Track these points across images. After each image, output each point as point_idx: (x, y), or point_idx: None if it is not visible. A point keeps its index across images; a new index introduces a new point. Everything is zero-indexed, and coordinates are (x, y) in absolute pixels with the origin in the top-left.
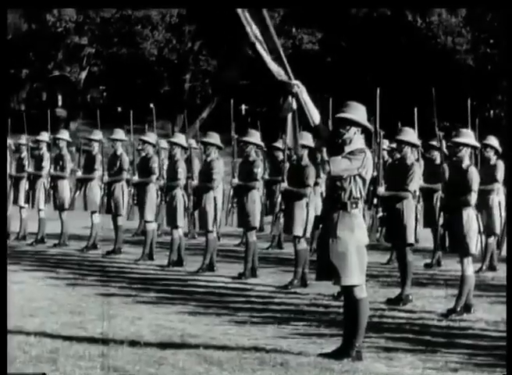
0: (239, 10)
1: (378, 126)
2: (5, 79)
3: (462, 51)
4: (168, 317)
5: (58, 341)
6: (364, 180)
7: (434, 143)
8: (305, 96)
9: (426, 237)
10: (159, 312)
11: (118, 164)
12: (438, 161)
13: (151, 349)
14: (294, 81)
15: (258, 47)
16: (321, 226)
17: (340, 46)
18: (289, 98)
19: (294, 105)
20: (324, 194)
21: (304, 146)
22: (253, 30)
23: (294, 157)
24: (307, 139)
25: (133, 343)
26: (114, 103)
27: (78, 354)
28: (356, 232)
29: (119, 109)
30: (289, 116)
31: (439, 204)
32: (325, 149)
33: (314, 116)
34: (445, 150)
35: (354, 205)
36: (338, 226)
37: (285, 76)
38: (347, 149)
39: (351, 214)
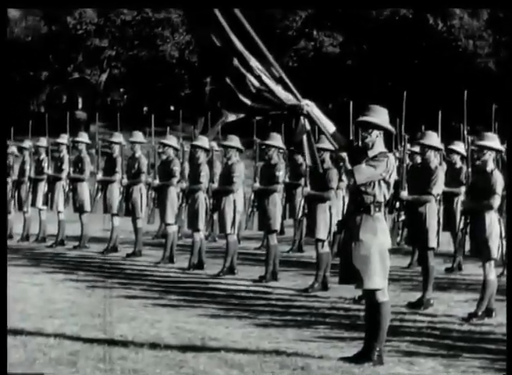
0: (239, 46)
1: (403, 129)
2: (5, 79)
3: (483, 54)
4: (188, 320)
5: (78, 343)
6: (388, 184)
7: (454, 147)
8: (316, 112)
9: (447, 241)
10: (179, 314)
11: (136, 166)
12: (458, 165)
13: (172, 352)
14: (303, 101)
15: (265, 78)
16: (343, 230)
17: (361, 49)
18: (301, 119)
19: (307, 126)
20: (346, 198)
21: (324, 149)
22: (254, 62)
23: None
24: (328, 142)
25: (154, 346)
26: (134, 106)
27: (98, 356)
28: (379, 236)
29: (145, 109)
30: (304, 137)
31: (459, 208)
32: (346, 157)
33: (330, 128)
34: (463, 152)
35: (377, 209)
36: (361, 229)
37: (293, 99)
38: (370, 153)
39: (374, 218)
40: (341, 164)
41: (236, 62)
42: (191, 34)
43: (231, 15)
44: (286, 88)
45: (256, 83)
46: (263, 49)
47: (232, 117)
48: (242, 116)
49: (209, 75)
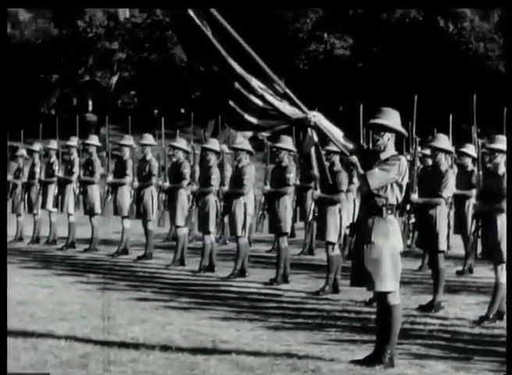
0: (238, 69)
1: (414, 132)
2: (6, 80)
3: (494, 57)
4: (199, 322)
5: (89, 346)
6: (400, 186)
7: (465, 150)
8: (324, 122)
9: (458, 244)
10: (190, 317)
11: (147, 169)
12: (469, 168)
13: (183, 355)
14: (310, 113)
15: (268, 97)
16: (356, 233)
17: (371, 52)
18: (309, 131)
19: (315, 138)
20: (356, 201)
21: (334, 152)
22: (255, 82)
23: (327, 163)
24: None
25: (165, 348)
26: (145, 108)
27: (109, 359)
28: (391, 238)
29: (156, 112)
30: (313, 149)
31: (470, 210)
32: (358, 162)
33: (339, 136)
34: (474, 155)
35: (390, 212)
36: (373, 232)
37: (299, 113)
38: (382, 156)
39: (386, 220)
40: (351, 168)
41: (237, 85)
42: (190, 63)
43: (228, 35)
44: (292, 103)
45: (260, 103)
46: (263, 67)
47: (247, 134)
48: (250, 134)
49: (213, 99)
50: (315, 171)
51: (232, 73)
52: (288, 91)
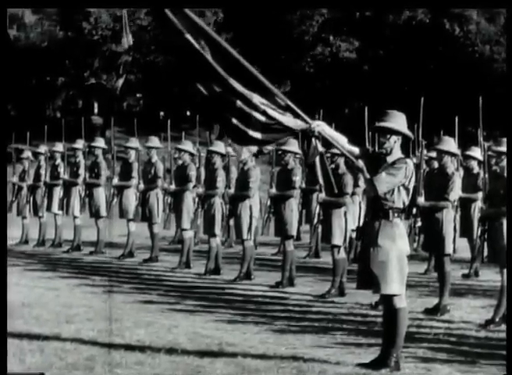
0: (238, 87)
1: (420, 135)
2: (6, 81)
3: (500, 59)
4: (205, 325)
5: (95, 348)
6: (407, 189)
7: (471, 153)
8: (328, 130)
9: (464, 247)
10: (196, 320)
11: (152, 172)
12: (475, 170)
13: (189, 357)
14: (313, 123)
15: (271, 112)
16: (362, 236)
17: (377, 54)
18: (313, 141)
19: (319, 148)
20: (362, 204)
21: (339, 154)
22: (256, 99)
23: (332, 166)
24: None
25: (171, 351)
26: (150, 111)
27: (115, 361)
28: (397, 241)
29: (161, 114)
30: (317, 159)
31: (476, 213)
32: (364, 167)
33: (344, 143)
34: (480, 157)
35: (396, 215)
36: (379, 235)
37: (303, 123)
38: (389, 159)
39: (393, 223)
40: (357, 172)
41: (238, 103)
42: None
43: (226, 53)
44: (294, 114)
45: (263, 119)
46: (263, 81)
47: (252, 149)
48: (255, 148)
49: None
50: (320, 180)
51: (233, 92)
52: (289, 102)
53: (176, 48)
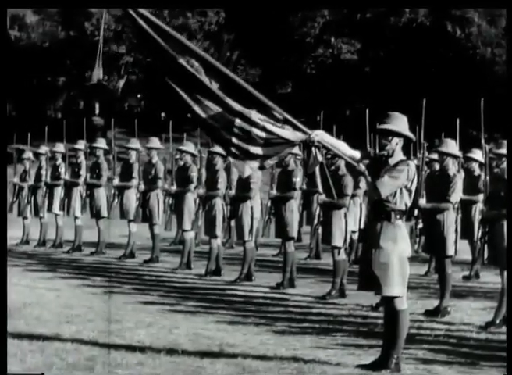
0: (237, 106)
1: (422, 137)
2: (7, 81)
3: (501, 61)
4: (206, 326)
5: (95, 349)
6: (409, 191)
7: (472, 155)
8: (327, 138)
9: (464, 249)
10: (197, 321)
11: (153, 173)
12: (476, 173)
13: (189, 358)
14: (312, 133)
15: (270, 127)
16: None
17: (379, 56)
18: (313, 151)
19: (319, 158)
20: (363, 205)
21: (339, 156)
22: (255, 115)
23: (332, 168)
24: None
25: (171, 352)
26: (152, 112)
27: (115, 362)
28: (399, 243)
29: (163, 115)
30: (317, 168)
31: (477, 216)
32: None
33: (344, 149)
34: (481, 160)
35: (398, 216)
36: (381, 236)
37: (302, 135)
38: (391, 161)
39: (395, 225)
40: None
41: (238, 121)
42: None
43: (219, 72)
44: (293, 126)
45: (263, 135)
46: (259, 97)
47: (254, 165)
48: (256, 164)
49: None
50: (320, 189)
51: (231, 111)
52: (287, 115)
53: (171, 73)
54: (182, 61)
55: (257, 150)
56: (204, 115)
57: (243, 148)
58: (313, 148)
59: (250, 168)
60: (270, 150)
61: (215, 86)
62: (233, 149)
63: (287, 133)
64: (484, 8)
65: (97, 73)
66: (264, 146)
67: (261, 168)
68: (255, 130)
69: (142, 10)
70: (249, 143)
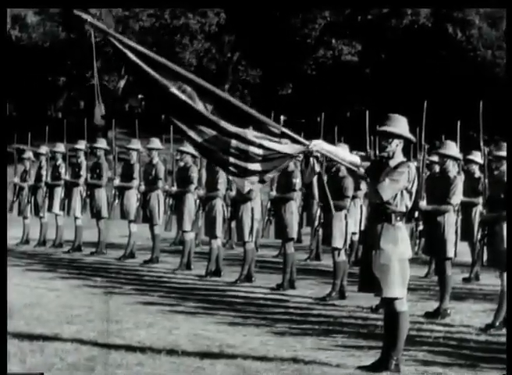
0: (232, 128)
1: (423, 139)
2: (7, 81)
3: (502, 64)
4: (206, 327)
5: (95, 349)
6: (410, 193)
7: (472, 157)
8: (326, 147)
9: (464, 251)
10: (197, 321)
11: (153, 173)
12: (476, 175)
13: (189, 359)
14: (310, 143)
15: (267, 144)
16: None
17: (380, 58)
18: (311, 161)
19: (317, 168)
20: (363, 207)
21: (339, 163)
22: (250, 133)
23: (333, 169)
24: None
25: (171, 352)
26: (152, 112)
27: (115, 362)
28: (399, 245)
29: (163, 116)
30: (315, 178)
31: (477, 218)
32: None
33: (344, 156)
34: (481, 161)
35: (398, 218)
36: (381, 238)
37: (300, 146)
38: (391, 163)
39: (395, 227)
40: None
41: (234, 142)
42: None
43: (212, 94)
44: (291, 139)
45: (260, 152)
46: (253, 113)
47: (253, 180)
48: (256, 179)
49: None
50: (317, 198)
51: (227, 133)
52: (284, 129)
53: (164, 104)
54: (173, 90)
55: (255, 166)
56: (199, 139)
57: (241, 166)
58: (311, 159)
59: (250, 183)
60: (269, 165)
61: (209, 108)
62: (231, 168)
63: (285, 146)
64: (484, 8)
65: (99, 111)
66: (261, 161)
67: (261, 182)
68: (252, 149)
69: (127, 40)
70: (247, 161)
